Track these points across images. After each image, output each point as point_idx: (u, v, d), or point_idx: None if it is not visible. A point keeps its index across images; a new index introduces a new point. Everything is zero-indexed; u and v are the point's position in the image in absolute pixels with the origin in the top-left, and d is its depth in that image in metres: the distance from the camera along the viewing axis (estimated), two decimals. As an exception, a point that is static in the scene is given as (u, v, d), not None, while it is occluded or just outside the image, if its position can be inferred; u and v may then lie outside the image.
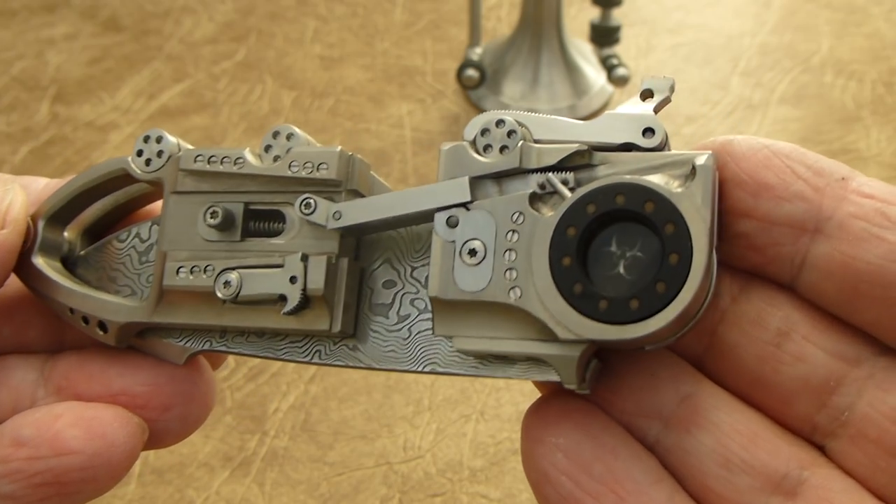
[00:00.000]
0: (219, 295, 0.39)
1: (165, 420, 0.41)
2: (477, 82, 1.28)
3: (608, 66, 1.28)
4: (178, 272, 0.40)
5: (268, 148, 0.41)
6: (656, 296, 0.33)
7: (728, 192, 0.35)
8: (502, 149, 0.36)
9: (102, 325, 0.41)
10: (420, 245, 0.40)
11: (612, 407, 0.36)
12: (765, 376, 0.35)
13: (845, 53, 1.37)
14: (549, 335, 0.34)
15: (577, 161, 0.36)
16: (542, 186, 0.36)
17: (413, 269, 0.40)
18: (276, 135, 0.41)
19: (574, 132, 0.37)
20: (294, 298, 0.38)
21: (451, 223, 0.36)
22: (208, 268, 0.39)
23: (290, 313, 0.38)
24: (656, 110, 0.38)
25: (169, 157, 0.42)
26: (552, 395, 0.37)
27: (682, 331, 0.34)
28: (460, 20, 1.43)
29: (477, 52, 1.29)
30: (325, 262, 0.38)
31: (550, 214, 0.35)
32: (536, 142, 0.37)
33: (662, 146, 0.36)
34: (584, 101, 1.28)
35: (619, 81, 1.27)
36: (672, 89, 0.38)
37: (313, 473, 0.88)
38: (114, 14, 1.46)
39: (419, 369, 0.38)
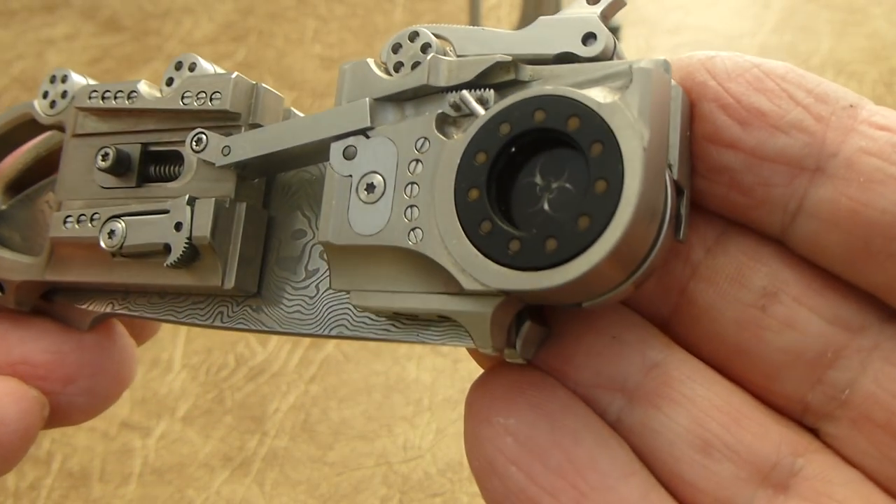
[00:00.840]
0: (103, 246, 0.35)
1: (69, 394, 0.37)
2: (477, 82, 1.28)
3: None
4: (65, 222, 0.36)
5: (170, 81, 0.36)
6: (577, 233, 0.26)
7: (708, 115, 0.28)
8: (414, 66, 0.31)
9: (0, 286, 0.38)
10: None
11: (566, 378, 0.29)
12: (746, 345, 0.29)
13: (845, 53, 1.37)
14: (456, 287, 0.28)
15: (502, 76, 0.30)
16: (455, 107, 0.30)
17: None
18: (178, 66, 0.36)
19: (503, 43, 0.31)
20: (178, 247, 0.33)
21: (349, 154, 0.31)
22: (95, 216, 0.35)
23: (175, 265, 0.34)
24: (605, 16, 0.31)
25: (73, 99, 0.38)
26: (501, 366, 0.30)
27: (627, 282, 0.27)
28: (460, 20, 1.43)
29: (477, 53, 1.29)
30: (213, 205, 0.33)
31: (459, 138, 0.29)
32: (459, 58, 0.31)
33: (609, 55, 0.30)
34: (584, 101, 1.28)
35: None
36: None
37: (313, 473, 0.88)
38: (114, 14, 1.47)
39: (324, 332, 0.33)
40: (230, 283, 0.34)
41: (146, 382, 0.96)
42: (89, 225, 0.35)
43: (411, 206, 0.29)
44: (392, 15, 1.47)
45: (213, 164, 0.34)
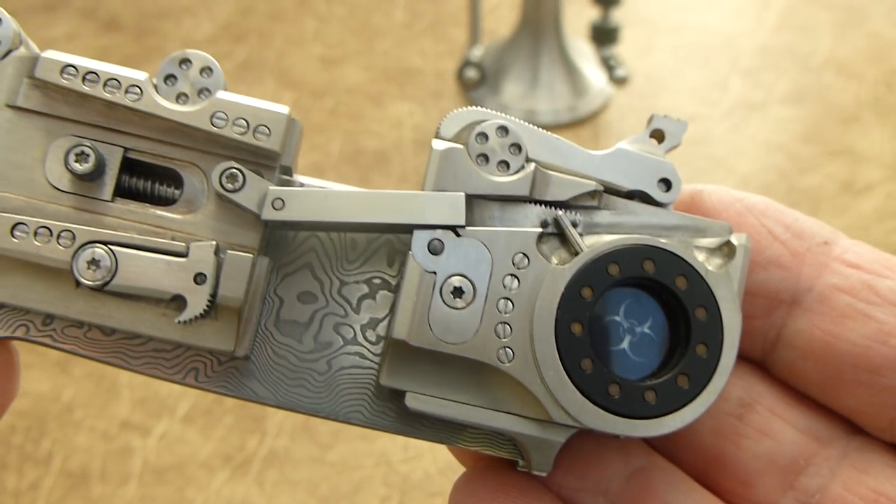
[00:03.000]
0: (79, 277, 0.28)
1: None
2: (477, 82, 1.28)
3: (608, 67, 1.28)
4: (13, 231, 0.28)
5: (170, 79, 0.30)
6: (677, 391, 0.28)
7: None
8: (502, 164, 0.30)
9: None
10: (355, 255, 0.31)
11: (551, 482, 0.30)
12: (723, 453, 0.30)
13: (845, 53, 1.37)
14: (534, 412, 0.28)
15: (587, 201, 0.30)
16: (544, 224, 0.30)
17: (343, 283, 0.31)
18: (184, 63, 0.30)
19: (579, 160, 0.30)
20: (197, 305, 0.28)
21: (434, 248, 0.29)
22: (64, 234, 0.28)
23: (187, 322, 0.28)
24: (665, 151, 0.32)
25: (8, 52, 0.30)
26: (486, 467, 0.31)
27: None
28: (460, 20, 1.43)
29: (477, 53, 1.29)
30: (250, 264, 0.29)
31: (560, 266, 0.29)
32: (530, 161, 0.30)
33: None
34: (584, 101, 1.28)
35: (619, 81, 1.27)
36: (683, 134, 0.32)
37: (313, 473, 0.88)
38: (114, 14, 1.46)
39: (334, 416, 0.30)
40: (244, 350, 0.30)
41: (146, 382, 0.96)
42: (56, 244, 0.28)
43: (503, 324, 0.29)
44: (392, 15, 1.47)
45: (248, 210, 0.29)
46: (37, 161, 0.29)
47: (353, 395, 0.31)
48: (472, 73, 1.27)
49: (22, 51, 0.31)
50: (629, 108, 1.27)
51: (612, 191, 0.30)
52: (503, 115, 0.31)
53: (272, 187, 0.29)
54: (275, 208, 0.29)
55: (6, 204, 0.29)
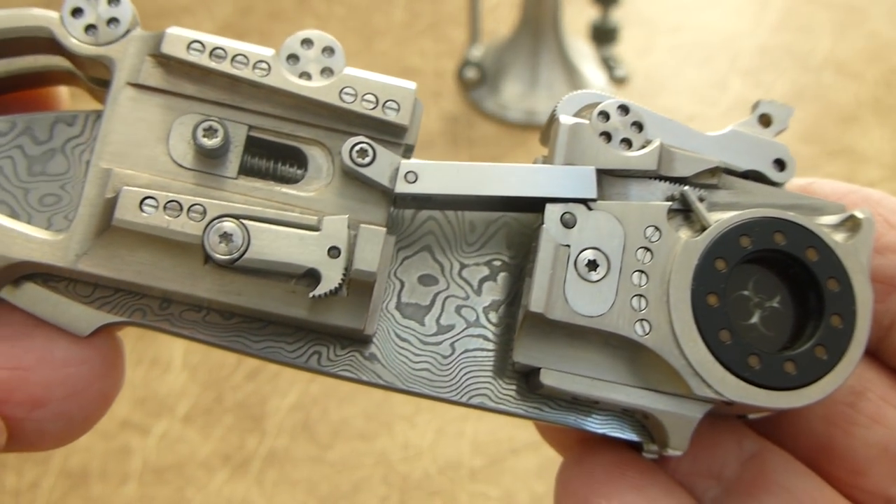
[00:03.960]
0: (211, 252, 0.27)
1: (36, 419, 0.28)
2: (477, 82, 1.28)
3: (608, 66, 1.28)
4: (142, 205, 0.27)
5: (291, 58, 0.29)
6: (816, 361, 0.28)
7: None
8: (624, 142, 0.30)
9: None
10: (474, 237, 0.31)
11: (665, 463, 0.30)
12: (834, 440, 0.30)
13: (845, 53, 1.37)
14: (672, 387, 0.28)
15: (707, 179, 0.30)
16: (670, 199, 0.30)
17: (462, 266, 0.31)
18: (306, 43, 0.30)
19: (697, 142, 0.31)
20: (332, 279, 0.27)
21: (567, 222, 0.29)
22: (195, 207, 0.28)
23: (319, 297, 0.28)
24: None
25: (127, 31, 0.30)
26: (598, 446, 0.30)
27: None
28: (460, 20, 1.43)
29: (477, 53, 1.30)
30: (383, 237, 0.28)
31: (692, 238, 0.29)
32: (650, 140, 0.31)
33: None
34: (584, 101, 1.28)
35: (619, 81, 1.27)
36: (789, 118, 0.33)
37: (313, 473, 0.88)
38: (114, 14, 1.47)
39: (461, 400, 0.30)
40: (373, 329, 0.29)
41: (146, 382, 0.96)
42: (186, 218, 0.27)
43: (639, 296, 0.28)
44: (392, 15, 1.47)
45: (380, 184, 0.28)
46: (160, 139, 0.29)
47: (479, 378, 0.30)
48: (471, 73, 1.27)
49: (140, 30, 0.31)
50: (629, 108, 1.27)
51: (728, 171, 0.31)
52: (617, 97, 0.31)
53: (404, 160, 0.29)
54: (408, 181, 0.29)
55: (131, 181, 0.28)
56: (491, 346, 0.31)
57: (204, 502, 0.87)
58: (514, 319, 0.30)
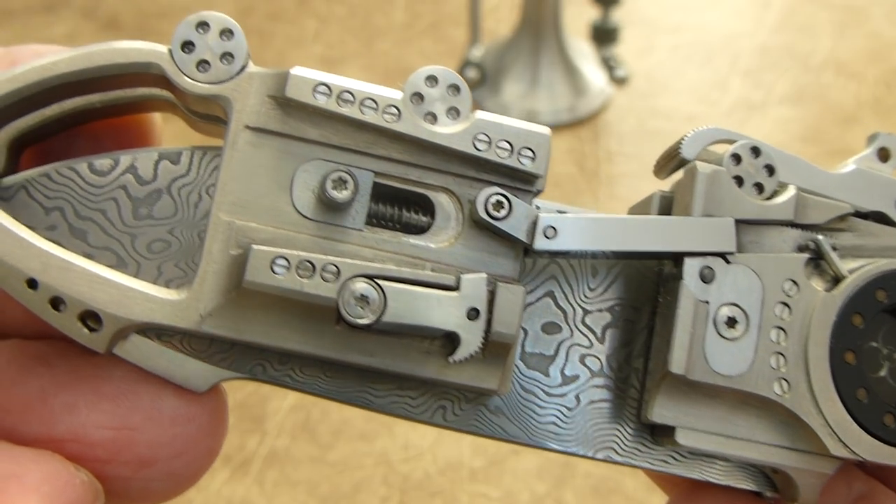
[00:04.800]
0: (347, 315, 0.26)
1: (143, 479, 0.27)
2: (477, 82, 1.28)
3: (608, 67, 1.28)
4: (273, 265, 0.26)
5: (416, 97, 0.27)
6: None
7: None
8: (756, 187, 0.29)
9: (92, 317, 0.26)
10: (596, 282, 0.30)
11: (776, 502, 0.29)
12: None
13: (845, 53, 1.37)
14: (807, 444, 0.27)
15: (838, 224, 0.29)
16: (803, 248, 0.29)
17: (586, 312, 0.30)
18: (430, 80, 0.27)
19: (819, 180, 0.30)
20: (471, 343, 0.26)
21: (706, 277, 0.28)
22: (328, 268, 0.26)
23: (460, 361, 0.26)
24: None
25: (242, 68, 0.27)
26: (706, 492, 0.29)
27: None
28: (460, 20, 1.43)
29: (477, 53, 1.30)
30: (523, 296, 0.26)
31: (826, 290, 0.28)
32: (783, 184, 0.30)
33: None
34: (584, 100, 1.28)
35: (619, 81, 1.27)
36: None
37: (313, 473, 0.88)
38: (114, 14, 1.46)
39: (587, 454, 0.29)
40: (507, 388, 0.27)
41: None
42: (319, 279, 0.26)
43: (777, 354, 0.28)
44: (392, 15, 1.47)
45: (515, 238, 0.27)
46: (282, 187, 0.27)
47: (604, 430, 0.29)
48: (472, 73, 1.27)
49: (253, 66, 0.28)
50: (629, 108, 1.27)
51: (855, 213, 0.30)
52: (745, 134, 0.30)
53: (542, 214, 0.27)
54: (546, 237, 0.27)
55: (254, 236, 0.26)
56: (615, 396, 0.29)
57: (204, 502, 0.87)
58: (640, 369, 0.29)
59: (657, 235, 0.28)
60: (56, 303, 0.26)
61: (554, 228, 0.27)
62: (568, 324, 0.29)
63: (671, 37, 1.42)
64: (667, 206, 0.30)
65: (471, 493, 0.86)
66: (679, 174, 0.30)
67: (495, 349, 0.27)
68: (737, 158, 0.28)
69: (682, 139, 0.29)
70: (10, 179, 0.27)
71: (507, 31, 1.36)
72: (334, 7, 1.49)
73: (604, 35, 1.25)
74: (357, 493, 0.86)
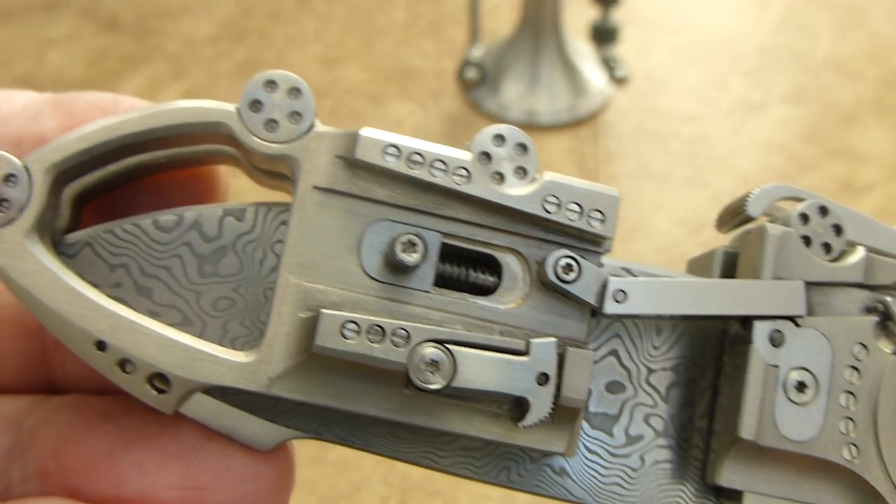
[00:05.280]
0: (416, 380, 0.26)
1: None
2: (477, 82, 1.28)
3: (608, 67, 1.28)
4: (343, 330, 0.26)
5: (484, 157, 0.27)
6: None
7: None
8: (823, 246, 0.29)
9: (160, 379, 0.26)
10: (660, 340, 0.30)
11: None
12: None
13: (845, 53, 1.37)
14: None
15: None
16: (870, 309, 0.29)
17: (650, 371, 0.30)
18: (498, 139, 0.27)
19: (884, 238, 0.30)
20: (541, 409, 0.26)
21: (776, 340, 0.28)
22: (398, 332, 0.26)
23: (529, 426, 0.26)
24: None
25: (310, 127, 0.28)
26: None
27: None
28: (460, 20, 1.43)
29: (477, 53, 1.30)
30: (592, 361, 0.27)
31: (893, 351, 0.28)
32: (851, 244, 0.30)
33: None
34: (584, 101, 1.28)
35: (619, 81, 1.27)
36: None
37: (313, 473, 0.88)
38: (114, 14, 1.46)
39: None
40: (574, 451, 0.28)
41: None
42: (389, 344, 0.26)
43: (847, 419, 0.28)
44: (392, 15, 1.47)
45: (583, 301, 0.27)
46: (350, 248, 0.27)
47: (669, 492, 0.29)
48: (472, 73, 1.27)
49: (320, 125, 0.28)
50: (629, 108, 1.27)
51: None
52: (811, 192, 0.30)
53: (612, 278, 0.27)
54: (617, 301, 0.27)
55: (323, 298, 0.26)
56: (679, 456, 0.29)
57: (204, 502, 0.87)
58: (704, 428, 0.29)
59: (728, 299, 0.28)
60: (124, 364, 0.25)
61: (624, 292, 0.27)
62: (632, 383, 0.29)
63: (671, 37, 1.42)
64: (730, 262, 0.30)
65: (471, 494, 0.86)
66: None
67: (563, 413, 0.26)
68: (804, 218, 0.28)
69: (749, 196, 0.29)
70: (74, 236, 0.27)
71: (507, 31, 1.36)
72: (334, 7, 1.49)
73: (604, 35, 1.25)
74: (357, 493, 0.86)
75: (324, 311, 0.26)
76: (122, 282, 0.27)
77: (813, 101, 1.28)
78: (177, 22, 1.46)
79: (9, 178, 0.25)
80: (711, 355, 0.30)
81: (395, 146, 0.27)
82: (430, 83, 1.33)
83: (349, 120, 1.25)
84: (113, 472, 0.26)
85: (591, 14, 1.30)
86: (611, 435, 0.29)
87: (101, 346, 0.25)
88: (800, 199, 0.30)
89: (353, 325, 0.26)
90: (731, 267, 0.30)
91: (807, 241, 0.29)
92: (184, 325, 0.27)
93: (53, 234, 0.27)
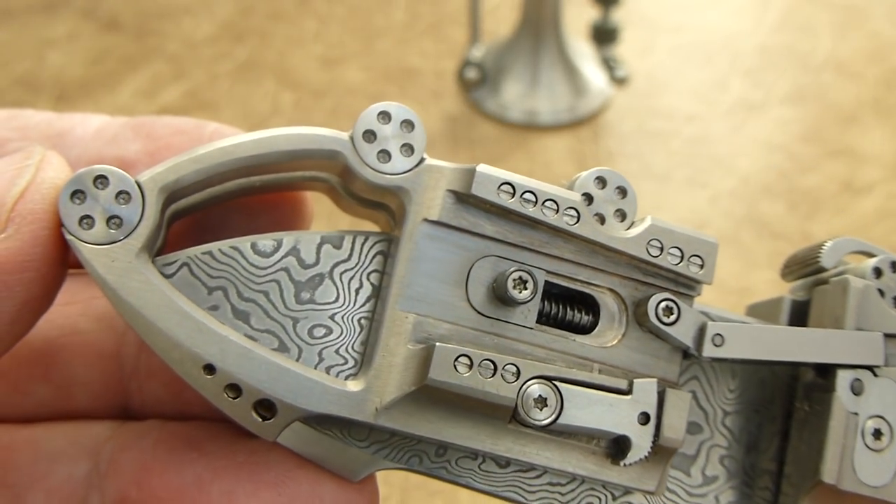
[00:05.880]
0: (524, 416, 0.26)
1: None
2: (477, 83, 1.28)
3: (608, 67, 1.28)
4: (456, 364, 0.26)
5: (586, 197, 0.28)
6: None
7: None
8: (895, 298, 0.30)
9: (265, 405, 0.26)
10: (735, 384, 0.31)
11: None
12: None
13: (845, 53, 1.37)
14: None
15: None
16: None
17: (725, 413, 0.31)
18: (599, 181, 0.28)
19: None
20: (641, 448, 0.27)
21: (856, 389, 0.29)
22: (508, 367, 0.26)
23: (631, 465, 0.27)
24: None
25: (421, 161, 0.28)
26: None
27: None
28: (460, 20, 1.43)
29: (477, 53, 1.29)
30: (689, 401, 0.28)
31: None
32: None
33: None
34: (584, 101, 1.28)
35: (619, 81, 1.27)
36: None
37: (313, 473, 0.88)
38: (114, 14, 1.46)
39: None
40: (664, 490, 0.29)
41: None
42: (500, 379, 0.26)
43: None
44: (392, 15, 1.47)
45: (684, 346, 0.28)
46: (458, 282, 0.27)
47: None
48: (472, 73, 1.27)
49: (430, 159, 0.28)
50: (629, 108, 1.27)
51: None
52: (881, 248, 0.31)
53: (710, 322, 0.28)
54: (714, 345, 0.28)
55: (432, 331, 0.27)
56: (747, 497, 0.30)
57: None
58: (773, 471, 0.30)
59: (816, 347, 0.29)
60: (231, 389, 0.25)
61: (721, 337, 0.28)
62: (709, 424, 0.30)
63: (671, 37, 1.42)
64: (798, 311, 0.31)
65: (470, 493, 0.86)
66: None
67: (659, 452, 0.27)
68: (878, 272, 0.30)
69: (822, 248, 0.30)
70: (172, 256, 0.27)
71: (507, 31, 1.36)
72: (334, 7, 1.49)
73: (604, 35, 1.25)
74: (357, 493, 0.86)
75: (438, 344, 0.26)
76: (219, 304, 0.27)
77: (813, 101, 1.28)
78: (177, 22, 1.46)
79: (121, 194, 0.26)
80: (781, 400, 0.31)
81: (509, 184, 0.27)
82: (431, 83, 1.33)
83: (349, 120, 1.25)
84: (202, 501, 0.25)
85: (591, 14, 1.30)
86: (688, 475, 0.30)
87: (209, 369, 0.25)
88: (867, 253, 0.31)
89: (465, 360, 0.26)
90: (798, 314, 0.31)
91: (880, 293, 0.30)
92: (280, 350, 0.27)
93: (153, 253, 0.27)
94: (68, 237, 0.25)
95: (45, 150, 0.26)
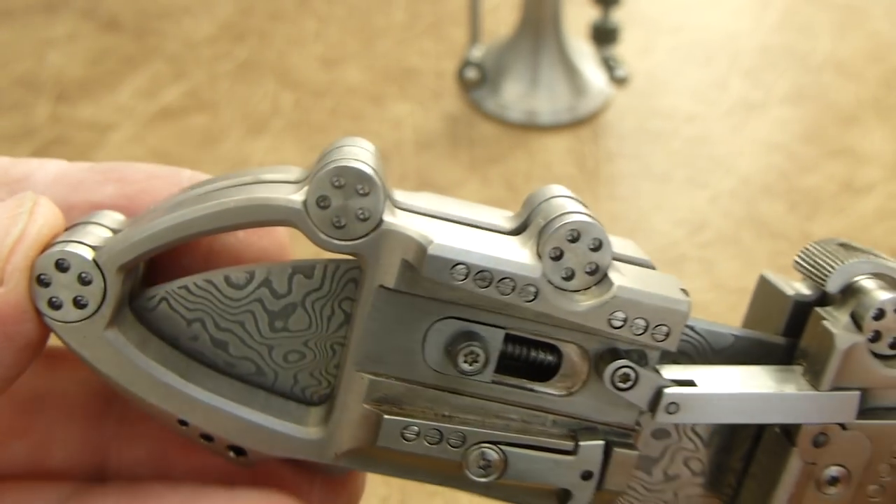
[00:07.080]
0: (469, 474, 0.29)
1: None
2: (477, 82, 1.28)
3: (608, 67, 1.28)
4: (404, 434, 0.28)
5: (557, 254, 0.27)
6: None
7: None
8: (892, 345, 0.29)
9: (237, 448, 0.29)
10: None
11: None
12: None
13: (845, 53, 1.37)
14: None
15: None
16: None
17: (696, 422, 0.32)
18: (573, 237, 0.27)
19: None
20: (581, 499, 0.29)
21: (819, 442, 0.29)
22: (454, 435, 0.28)
23: None
24: None
25: (377, 226, 0.27)
26: None
27: None
28: (460, 20, 1.43)
29: (477, 53, 1.29)
30: (634, 461, 0.29)
31: None
32: None
33: None
34: (584, 101, 1.28)
35: (619, 81, 1.27)
36: None
37: (313, 473, 0.88)
38: (114, 14, 1.47)
39: None
40: None
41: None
42: (446, 445, 0.28)
43: None
44: (392, 15, 1.47)
45: (636, 407, 0.28)
46: (416, 343, 0.28)
47: None
48: (472, 73, 1.27)
49: (388, 218, 0.28)
50: (629, 108, 1.27)
51: None
52: (893, 265, 0.30)
53: (667, 390, 0.28)
54: (669, 412, 0.28)
55: (386, 391, 0.28)
56: (712, 492, 0.31)
57: (204, 502, 0.86)
58: (738, 469, 0.31)
59: (782, 412, 0.28)
60: (206, 437, 0.29)
61: (677, 405, 0.28)
62: (677, 430, 0.31)
63: (671, 37, 1.42)
64: (798, 312, 0.31)
65: (471, 494, 0.85)
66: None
67: (603, 496, 0.29)
68: (881, 313, 0.29)
69: (829, 276, 0.29)
70: (152, 291, 0.29)
71: (507, 31, 1.36)
72: (334, 7, 1.49)
73: (604, 35, 1.25)
74: (357, 493, 0.86)
75: (386, 416, 0.28)
76: (198, 335, 0.29)
77: (813, 101, 1.28)
78: (177, 22, 1.46)
79: (83, 275, 0.27)
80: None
81: (463, 264, 0.27)
82: (431, 83, 1.33)
83: (349, 120, 1.25)
84: None
85: (591, 14, 1.30)
86: (649, 474, 0.31)
87: (183, 423, 0.28)
88: (881, 275, 0.30)
89: (413, 429, 0.28)
90: (799, 315, 0.31)
91: (877, 335, 0.29)
92: (257, 375, 0.29)
93: (131, 295, 0.29)
94: (43, 315, 0.27)
95: (36, 196, 0.27)
